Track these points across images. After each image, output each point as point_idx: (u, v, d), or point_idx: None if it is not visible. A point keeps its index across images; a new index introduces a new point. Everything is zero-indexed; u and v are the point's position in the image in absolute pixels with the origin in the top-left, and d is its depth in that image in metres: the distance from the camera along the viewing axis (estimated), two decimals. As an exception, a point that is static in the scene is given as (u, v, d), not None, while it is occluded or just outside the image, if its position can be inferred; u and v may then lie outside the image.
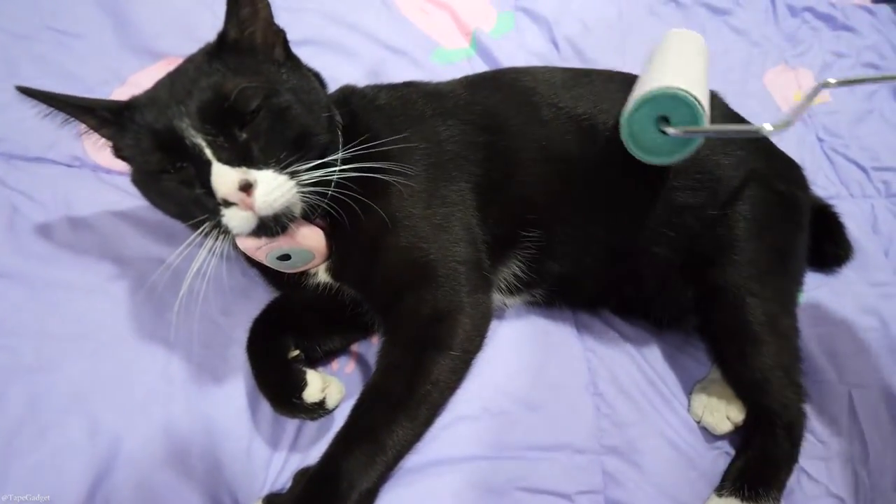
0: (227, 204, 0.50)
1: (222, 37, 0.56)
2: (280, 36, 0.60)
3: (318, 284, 0.65)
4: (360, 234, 0.58)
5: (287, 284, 0.67)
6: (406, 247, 0.60)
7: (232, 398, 0.65)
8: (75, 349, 0.62)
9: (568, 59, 1.12)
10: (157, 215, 0.68)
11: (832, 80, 0.69)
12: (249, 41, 0.57)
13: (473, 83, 0.77)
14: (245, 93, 0.51)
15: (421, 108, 0.70)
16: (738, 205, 0.73)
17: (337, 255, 0.61)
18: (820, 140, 1.19)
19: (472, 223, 0.66)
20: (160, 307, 0.67)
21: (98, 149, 0.74)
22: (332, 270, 0.64)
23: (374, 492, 0.56)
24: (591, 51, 1.14)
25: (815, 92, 0.66)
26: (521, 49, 1.09)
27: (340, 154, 0.56)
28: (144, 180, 0.55)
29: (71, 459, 0.57)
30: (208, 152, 0.50)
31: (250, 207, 0.50)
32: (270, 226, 0.52)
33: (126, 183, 0.74)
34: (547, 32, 1.15)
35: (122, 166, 0.69)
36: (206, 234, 0.52)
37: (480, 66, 1.06)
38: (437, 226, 0.62)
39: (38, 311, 0.63)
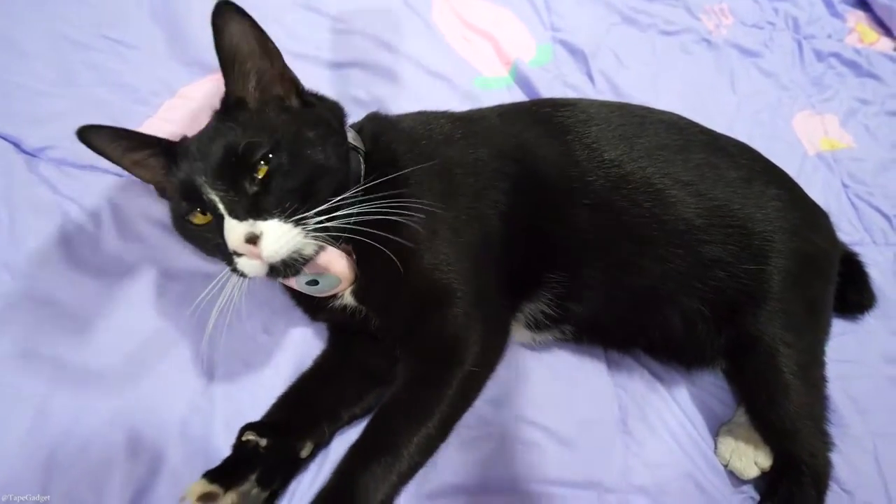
0: (238, 254, 0.54)
1: (227, 96, 0.60)
2: (294, 84, 0.62)
3: (344, 307, 0.66)
4: (383, 257, 0.59)
5: (315, 307, 0.69)
6: (428, 268, 0.61)
7: (270, 418, 0.65)
8: (120, 361, 0.63)
9: (603, 93, 1.14)
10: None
11: None
12: (260, 94, 0.60)
13: (509, 113, 0.78)
14: (249, 147, 0.55)
15: (448, 132, 0.71)
16: (773, 258, 0.74)
17: (362, 278, 0.62)
18: (845, 186, 1.20)
19: (495, 248, 0.66)
20: (205, 324, 0.67)
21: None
22: (356, 293, 0.65)
23: (390, 501, 0.55)
24: (625, 86, 1.16)
25: None
26: (558, 80, 1.11)
27: (349, 192, 0.57)
28: (177, 223, 0.60)
29: (112, 475, 0.57)
30: (221, 207, 0.54)
31: (258, 257, 0.53)
32: (280, 269, 0.55)
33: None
34: (583, 65, 1.17)
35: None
36: (232, 272, 0.56)
37: (519, 95, 1.07)
38: (459, 248, 0.63)
39: (85, 321, 0.63)
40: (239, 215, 0.53)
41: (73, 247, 0.67)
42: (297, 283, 0.61)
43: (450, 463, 0.67)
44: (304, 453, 0.62)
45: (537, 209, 0.70)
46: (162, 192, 0.62)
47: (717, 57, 1.34)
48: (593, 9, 1.29)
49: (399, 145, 0.66)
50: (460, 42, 1.10)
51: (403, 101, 0.96)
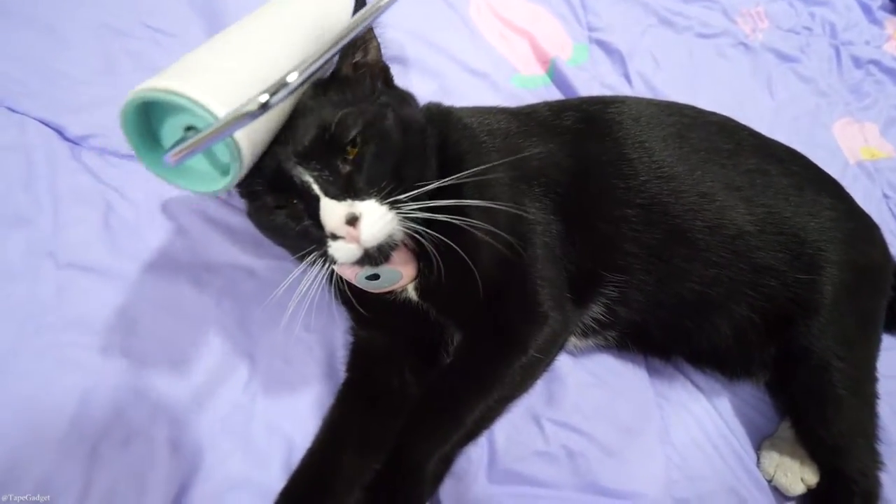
0: (335, 237, 0.50)
1: (335, 73, 0.58)
2: (384, 71, 0.62)
3: (405, 301, 0.65)
4: (448, 252, 0.57)
5: (370, 308, 0.66)
6: (497, 261, 0.60)
7: (310, 417, 0.64)
8: (162, 354, 0.62)
9: (640, 94, 1.11)
10: (245, 224, 0.68)
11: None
12: (356, 77, 0.59)
13: (560, 109, 0.77)
14: (344, 121, 0.52)
15: (506, 126, 0.70)
16: (827, 269, 0.72)
17: (424, 274, 0.61)
18: (886, 197, 1.18)
19: (557, 244, 0.66)
20: (246, 319, 0.66)
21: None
22: (419, 289, 0.64)
23: (450, 459, 0.58)
24: (662, 87, 1.14)
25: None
26: (596, 80, 1.09)
27: (437, 185, 0.55)
28: (257, 216, 0.57)
29: (153, 472, 0.56)
30: (316, 188, 0.51)
31: (356, 240, 0.50)
32: (374, 256, 0.52)
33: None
34: (620, 66, 1.15)
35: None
36: (313, 263, 0.53)
37: (556, 94, 1.05)
38: (525, 241, 0.62)
39: (127, 311, 0.62)
40: (336, 195, 0.50)
41: (115, 236, 0.66)
42: (357, 277, 0.59)
43: (495, 462, 0.65)
44: None
45: (593, 206, 0.68)
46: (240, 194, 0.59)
47: (753, 61, 1.32)
48: (629, 9, 1.27)
49: (465, 140, 0.65)
50: (497, 39, 1.08)
51: (441, 97, 0.94)
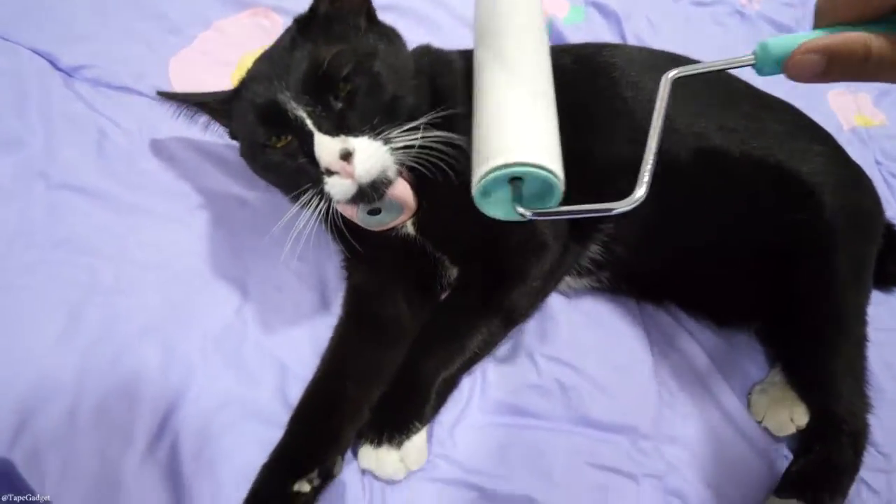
0: (330, 173, 0.51)
1: (314, 9, 0.58)
2: (365, 4, 0.61)
3: (404, 236, 0.65)
4: (444, 185, 0.58)
5: (366, 244, 0.65)
6: None
7: (301, 343, 0.64)
8: (153, 276, 0.62)
9: (636, 56, 1.12)
10: (238, 156, 0.68)
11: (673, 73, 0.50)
12: (337, 11, 0.59)
13: (552, 50, 0.77)
14: (337, 59, 0.52)
15: None
16: (820, 212, 0.72)
17: (424, 208, 0.62)
18: (878, 163, 1.18)
19: None
20: (239, 247, 0.66)
21: (187, 89, 0.74)
22: (417, 225, 0.64)
23: (453, 381, 0.61)
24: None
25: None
26: (591, 39, 1.09)
27: (426, 119, 0.56)
28: (251, 154, 0.58)
29: (144, 388, 0.56)
30: (309, 123, 0.51)
31: (350, 175, 0.51)
32: (368, 192, 0.53)
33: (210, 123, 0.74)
34: (616, 27, 1.15)
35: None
36: (308, 202, 0.54)
37: (552, 53, 1.06)
38: None
39: (119, 233, 0.62)
40: (330, 131, 0.51)
41: (109, 160, 0.66)
42: (357, 214, 0.60)
43: (487, 393, 0.66)
44: (337, 470, 0.57)
45: (587, 143, 0.68)
46: (232, 135, 0.60)
47: (749, 30, 1.32)
48: (626, -26, 1.27)
49: (454, 74, 0.66)
50: (495, -4, 1.08)
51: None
